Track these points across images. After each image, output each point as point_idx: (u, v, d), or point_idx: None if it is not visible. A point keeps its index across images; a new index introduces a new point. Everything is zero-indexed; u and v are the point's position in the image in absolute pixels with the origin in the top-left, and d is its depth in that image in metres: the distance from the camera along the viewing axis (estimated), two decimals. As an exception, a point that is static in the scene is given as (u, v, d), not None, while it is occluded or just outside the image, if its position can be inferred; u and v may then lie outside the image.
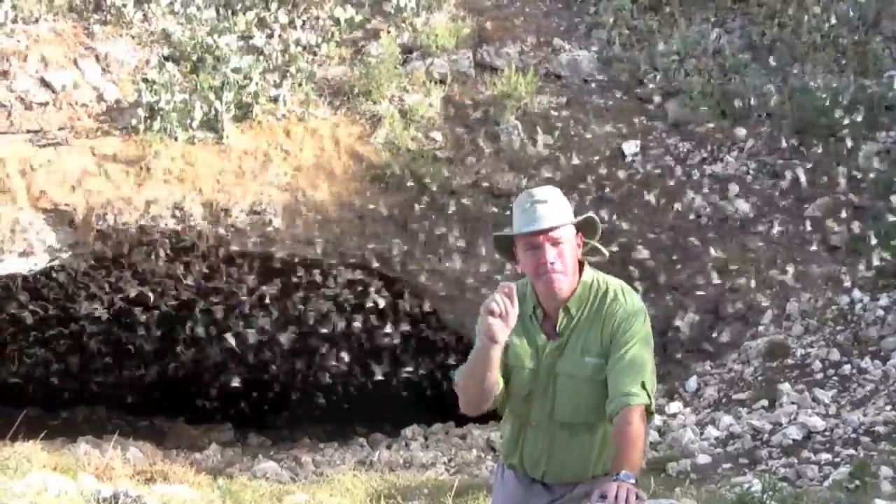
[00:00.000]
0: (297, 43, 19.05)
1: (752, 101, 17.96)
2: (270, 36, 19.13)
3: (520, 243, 5.48)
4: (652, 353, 5.45)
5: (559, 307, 5.48)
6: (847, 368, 13.80)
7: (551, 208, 5.38)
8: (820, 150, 17.14)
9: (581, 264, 5.56)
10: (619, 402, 5.21)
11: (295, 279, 18.93)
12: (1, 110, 17.13)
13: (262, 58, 18.59)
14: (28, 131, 17.14)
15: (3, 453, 11.74)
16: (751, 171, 17.31)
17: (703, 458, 12.35)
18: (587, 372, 5.39)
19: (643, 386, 5.25)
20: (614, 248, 15.95)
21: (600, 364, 5.36)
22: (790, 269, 15.90)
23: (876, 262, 15.38)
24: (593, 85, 18.97)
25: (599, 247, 5.67)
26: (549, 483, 5.59)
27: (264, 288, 19.25)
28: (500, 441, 6.12)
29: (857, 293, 15.12)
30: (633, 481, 4.96)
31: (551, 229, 5.34)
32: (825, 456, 11.90)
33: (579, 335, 5.45)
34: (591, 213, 5.62)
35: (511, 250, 5.59)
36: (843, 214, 16.30)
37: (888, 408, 12.66)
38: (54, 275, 19.45)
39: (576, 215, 5.55)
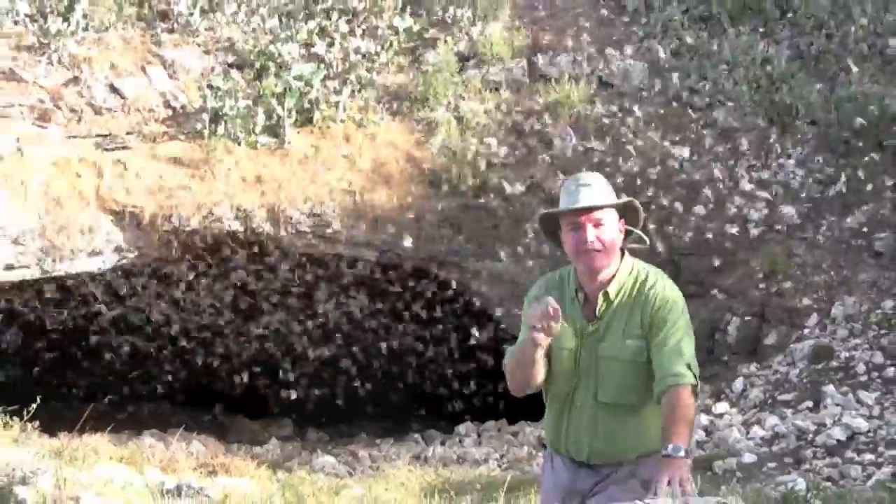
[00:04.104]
0: (357, 51, 19.14)
1: (800, 110, 17.90)
2: (331, 44, 19.19)
3: (563, 223, 5.58)
4: (692, 337, 5.53)
5: (599, 290, 5.57)
6: (891, 371, 13.70)
7: (594, 191, 5.49)
8: (866, 159, 17.05)
9: (622, 252, 5.64)
10: (667, 381, 5.32)
11: (351, 279, 19.06)
12: (72, 115, 17.32)
13: (322, 65, 18.67)
14: (97, 135, 17.31)
15: (72, 445, 11.83)
16: (798, 179, 17.25)
17: (748, 458, 12.31)
18: (628, 354, 5.47)
19: (689, 367, 5.35)
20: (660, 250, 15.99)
21: (641, 346, 5.45)
22: (835, 274, 15.85)
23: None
24: (644, 93, 18.93)
25: (641, 234, 5.75)
26: (594, 464, 5.64)
27: (324, 286, 19.39)
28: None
29: (901, 298, 15.06)
30: (682, 454, 5.07)
31: (593, 209, 5.45)
32: (869, 456, 11.84)
33: (620, 319, 5.53)
34: (632, 199, 5.72)
35: (556, 234, 5.69)
36: (889, 221, 16.22)
37: (931, 410, 12.61)
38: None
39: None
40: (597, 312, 5.57)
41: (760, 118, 18.14)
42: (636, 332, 5.47)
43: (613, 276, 5.57)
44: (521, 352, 5.55)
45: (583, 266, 5.55)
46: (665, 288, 5.55)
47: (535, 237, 17.01)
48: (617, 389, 5.51)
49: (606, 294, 5.55)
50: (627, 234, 5.67)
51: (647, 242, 5.79)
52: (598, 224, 5.45)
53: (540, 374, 5.57)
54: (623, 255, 5.64)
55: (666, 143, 18.10)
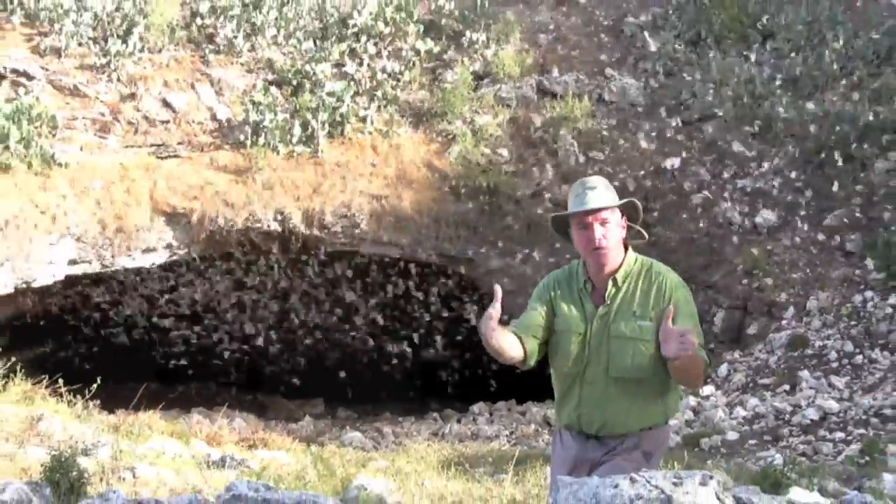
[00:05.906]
0: (383, 70, 19.18)
1: (779, 124, 17.87)
2: (360, 64, 19.25)
3: (573, 223, 5.62)
4: (697, 318, 5.59)
5: (607, 279, 5.60)
6: (859, 358, 13.70)
7: (599, 193, 5.53)
8: (838, 168, 17.02)
9: (626, 246, 5.68)
10: None
11: (377, 273, 19.07)
12: (129, 127, 17.39)
13: (352, 83, 18.74)
14: (151, 145, 17.40)
15: (128, 421, 11.85)
16: (777, 186, 17.22)
17: (731, 435, 12.31)
18: (639, 333, 5.49)
19: (701, 346, 5.40)
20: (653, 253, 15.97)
21: (649, 326, 5.46)
22: (810, 271, 15.82)
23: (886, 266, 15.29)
24: (640, 109, 18.93)
25: (640, 230, 5.79)
26: (602, 437, 5.64)
27: (351, 281, 19.40)
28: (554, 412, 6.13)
29: (868, 293, 15.00)
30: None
31: (599, 210, 5.48)
32: (839, 434, 11.83)
33: (629, 302, 5.55)
34: (632, 199, 5.74)
35: (566, 231, 5.72)
36: (858, 224, 16.20)
37: (895, 393, 12.59)
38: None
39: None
40: (606, 297, 5.60)
41: (743, 131, 18.12)
42: (647, 314, 5.49)
43: (620, 266, 5.60)
44: (485, 337, 5.49)
45: (592, 261, 5.60)
46: (673, 278, 5.61)
47: (541, 237, 17.03)
48: (627, 365, 5.52)
49: (615, 280, 5.58)
50: (629, 229, 5.70)
51: (646, 237, 5.82)
52: (604, 222, 5.49)
53: (507, 347, 5.52)
54: (627, 248, 5.68)
55: (659, 154, 18.10)
